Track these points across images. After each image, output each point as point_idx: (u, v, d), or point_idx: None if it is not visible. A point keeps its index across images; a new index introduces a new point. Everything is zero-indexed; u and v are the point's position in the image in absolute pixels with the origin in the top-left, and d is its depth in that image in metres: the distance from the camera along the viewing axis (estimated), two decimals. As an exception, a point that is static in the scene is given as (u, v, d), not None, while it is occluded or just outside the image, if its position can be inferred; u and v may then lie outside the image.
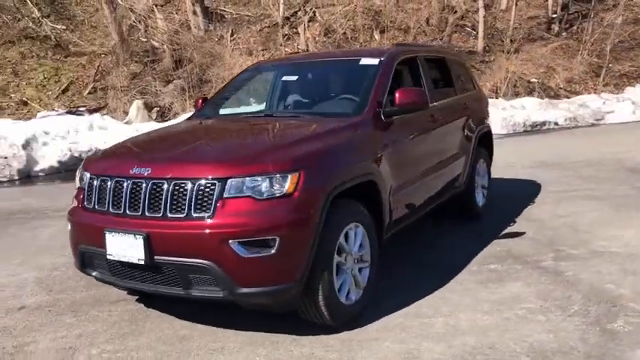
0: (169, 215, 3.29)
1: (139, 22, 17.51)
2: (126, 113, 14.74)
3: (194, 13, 18.35)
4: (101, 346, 3.60)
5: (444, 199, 5.27)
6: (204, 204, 3.23)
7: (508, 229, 5.71)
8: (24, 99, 15.38)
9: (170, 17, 18.38)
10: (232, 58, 16.66)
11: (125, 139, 4.45)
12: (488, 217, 6.18)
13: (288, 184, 3.24)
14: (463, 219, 6.02)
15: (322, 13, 18.60)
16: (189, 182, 3.27)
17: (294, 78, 5.05)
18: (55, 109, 15.09)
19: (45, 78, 16.10)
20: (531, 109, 14.29)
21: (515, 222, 5.98)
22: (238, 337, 3.63)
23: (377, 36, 17.84)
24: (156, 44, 17.42)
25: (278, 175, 3.24)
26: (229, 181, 3.22)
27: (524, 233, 5.56)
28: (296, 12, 19.04)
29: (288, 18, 18.69)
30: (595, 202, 6.66)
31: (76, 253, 3.78)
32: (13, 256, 5.60)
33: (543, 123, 13.97)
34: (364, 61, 4.70)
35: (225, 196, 3.21)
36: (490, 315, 3.79)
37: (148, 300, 4.26)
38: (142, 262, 3.31)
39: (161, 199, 3.31)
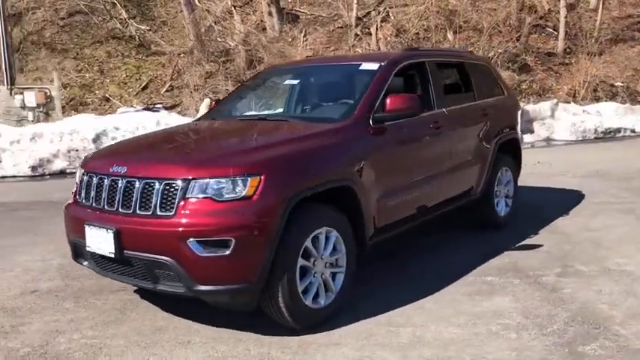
0: (138, 212, 3.48)
1: (216, 23, 18.13)
2: (197, 111, 15.33)
3: (269, 14, 18.78)
4: (84, 332, 3.85)
5: (451, 207, 5.18)
6: (169, 203, 3.39)
7: (527, 241, 5.52)
8: (107, 95, 16.35)
9: (246, 18, 18.89)
10: (303, 58, 16.93)
11: (126, 139, 4.70)
12: (512, 227, 5.99)
13: (247, 188, 3.34)
14: (483, 227, 5.85)
15: (395, 13, 18.49)
16: (157, 182, 3.44)
17: (295, 82, 5.13)
18: (134, 105, 15.93)
19: (127, 76, 17.03)
20: (607, 114, 13.55)
21: (537, 234, 5.76)
22: (208, 332, 3.77)
23: (450, 36, 17.51)
24: (231, 45, 17.97)
25: (238, 179, 3.35)
26: (192, 182, 3.36)
27: (540, 246, 5.36)
28: (369, 12, 19.04)
29: (360, 18, 18.71)
30: (633, 216, 6.28)
31: (69, 243, 4.06)
32: (52, 242, 6.03)
33: (618, 130, 13.22)
34: (364, 66, 4.72)
35: (187, 196, 3.36)
36: (461, 328, 3.72)
37: (146, 291, 4.47)
38: (113, 256, 3.52)
39: (132, 197, 3.51)
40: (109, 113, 15.02)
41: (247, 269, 3.37)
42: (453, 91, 5.41)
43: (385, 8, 18.72)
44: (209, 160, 3.55)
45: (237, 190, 3.35)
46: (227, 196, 3.34)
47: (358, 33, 18.50)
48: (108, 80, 16.81)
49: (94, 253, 3.68)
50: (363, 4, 19.18)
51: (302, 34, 18.43)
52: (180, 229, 3.32)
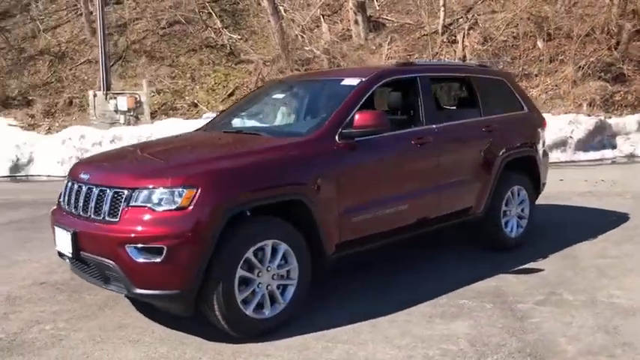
0: (93, 217, 3.79)
1: (303, 32, 18.58)
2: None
3: (355, 22, 18.94)
4: (57, 324, 4.22)
5: (443, 224, 5.07)
6: (115, 210, 3.67)
7: (530, 264, 5.29)
8: (195, 101, 17.27)
9: (333, 27, 19.19)
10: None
11: (113, 148, 5.06)
12: (525, 248, 5.75)
13: (182, 199, 3.54)
14: (491, 247, 5.67)
15: (483, 20, 17.99)
16: (108, 189, 3.73)
17: (281, 96, 5.26)
18: (218, 111, 16.72)
19: (215, 83, 17.89)
20: None
21: (547, 257, 5.49)
22: (161, 333, 4.01)
23: (540, 44, 16.78)
24: (316, 52, 18.34)
25: (174, 190, 3.56)
26: (135, 191, 3.62)
27: (540, 270, 5.13)
28: (457, 19, 18.66)
29: (447, 26, 18.39)
30: (665, 245, 5.81)
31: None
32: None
33: None
34: (345, 81, 4.77)
35: (130, 204, 3.62)
36: (399, 350, 3.69)
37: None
38: (71, 255, 3.85)
39: (90, 203, 3.82)
40: (195, 118, 15.85)
41: (179, 277, 3.55)
42: (450, 106, 5.29)
43: (473, 15, 18.26)
44: (153, 172, 3.79)
45: (172, 201, 3.55)
46: (163, 206, 3.56)
47: (444, 41, 18.21)
48: (197, 87, 17.72)
49: (60, 252, 4.03)
50: (451, 11, 18.84)
51: (386, 42, 18.42)
52: (121, 235, 3.58)
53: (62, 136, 12.64)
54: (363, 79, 4.69)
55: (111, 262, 3.63)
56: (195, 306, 3.71)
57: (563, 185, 9.02)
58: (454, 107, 5.48)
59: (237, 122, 5.19)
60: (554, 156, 11.51)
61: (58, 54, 19.42)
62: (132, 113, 14.93)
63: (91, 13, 20.42)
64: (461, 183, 5.14)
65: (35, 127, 16.53)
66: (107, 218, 3.70)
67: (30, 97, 17.81)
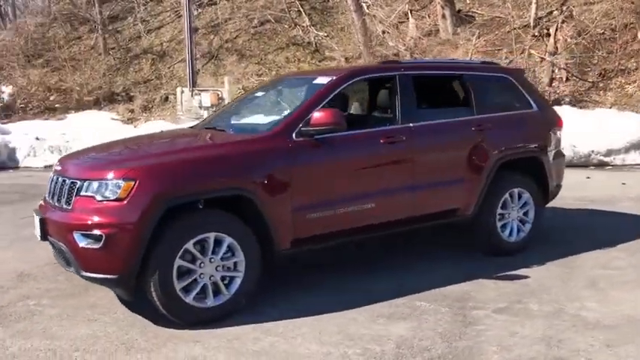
0: (56, 204, 4.17)
1: (388, 27, 18.51)
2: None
3: (443, 16, 18.56)
4: (42, 300, 4.66)
5: (422, 225, 5.00)
6: (70, 199, 4.03)
7: (520, 270, 5.06)
8: (279, 97, 17.77)
9: (421, 22, 18.94)
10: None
11: (100, 143, 5.43)
12: (524, 253, 5.49)
13: (121, 191, 3.82)
14: (488, 251, 5.48)
15: (579, 12, 16.96)
16: (68, 180, 4.10)
17: (261, 94, 5.39)
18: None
19: (299, 79, 18.27)
20: None
21: (543, 264, 5.23)
22: (121, 315, 4.31)
23: (640, 36, 15.57)
24: (401, 49, 18.21)
25: (115, 182, 3.85)
26: (85, 182, 3.95)
27: (525, 277, 4.92)
28: (551, 12, 17.72)
29: (539, 19, 17.52)
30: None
31: None
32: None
33: None
34: (317, 80, 4.83)
35: (80, 194, 3.96)
36: (321, 346, 3.74)
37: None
38: (40, 239, 4.27)
39: (57, 192, 4.22)
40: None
41: (117, 262, 3.84)
42: (436, 104, 5.18)
43: (568, 7, 17.25)
44: (102, 165, 4.09)
45: (112, 192, 3.84)
46: (104, 196, 3.86)
47: (535, 34, 17.38)
48: (282, 83, 18.21)
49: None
50: (544, 3, 17.93)
51: (474, 37, 17.89)
52: (70, 221, 3.93)
53: (143, 129, 13.56)
54: (333, 78, 4.72)
55: (63, 246, 3.98)
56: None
57: (619, 189, 8.42)
58: (443, 106, 5.31)
59: (222, 119, 5.40)
60: (631, 157, 10.69)
61: (159, 53, 20.74)
62: (214, 109, 15.65)
63: (193, 13, 21.62)
64: (443, 183, 5.02)
65: (133, 120, 17.84)
66: (64, 206, 4.07)
67: (132, 93, 19.21)
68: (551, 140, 5.69)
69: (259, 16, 20.33)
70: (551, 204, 6.14)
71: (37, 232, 4.31)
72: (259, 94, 5.53)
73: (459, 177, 5.11)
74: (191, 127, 5.28)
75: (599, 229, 6.35)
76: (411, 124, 4.87)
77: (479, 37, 18.03)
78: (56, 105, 19.66)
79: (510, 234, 5.47)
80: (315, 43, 19.19)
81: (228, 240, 4.09)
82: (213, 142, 4.47)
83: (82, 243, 3.86)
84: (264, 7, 20.23)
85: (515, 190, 5.44)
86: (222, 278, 4.15)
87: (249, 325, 4.06)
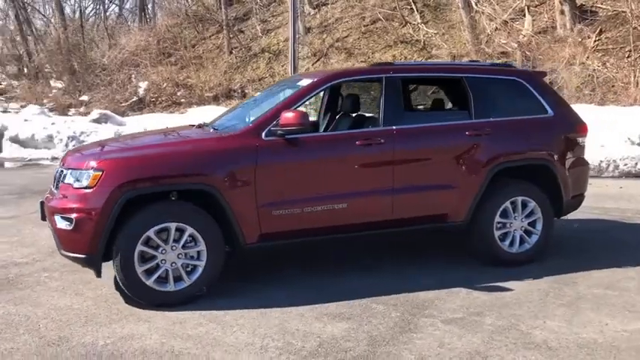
0: (54, 191, 4.72)
1: (503, 23, 17.87)
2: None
3: (561, 12, 17.53)
4: (53, 274, 5.26)
5: (403, 229, 4.96)
6: (58, 186, 4.56)
7: (508, 283, 4.84)
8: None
9: (536, 19, 18.03)
10: (589, 60, 15.59)
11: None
12: (527, 266, 5.22)
13: (90, 180, 4.27)
14: (486, 262, 5.30)
15: None
16: (60, 169, 4.64)
17: (258, 95, 5.57)
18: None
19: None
20: None
21: (541, 278, 4.97)
22: (101, 292, 4.76)
23: None
24: (514, 46, 17.50)
25: (87, 172, 4.31)
26: (68, 171, 4.46)
27: (507, 290, 4.72)
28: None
29: (671, 14, 15.94)
30: None
31: None
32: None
33: None
34: (301, 82, 4.97)
35: (64, 181, 4.47)
36: (248, 336, 3.91)
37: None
38: (41, 220, 4.86)
39: (55, 179, 4.78)
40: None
41: (84, 243, 4.28)
42: (428, 108, 5.08)
43: None
44: (84, 157, 4.53)
45: (84, 181, 4.29)
46: (78, 184, 4.32)
47: (665, 31, 15.87)
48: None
49: None
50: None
51: (595, 33, 16.74)
52: (53, 205, 4.44)
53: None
54: (312, 81, 4.84)
55: (51, 227, 4.51)
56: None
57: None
58: (436, 109, 5.16)
59: (224, 118, 5.69)
60: None
61: (275, 52, 21.63)
62: (312, 106, 16.09)
63: (307, 14, 22.31)
64: (429, 188, 4.93)
65: (244, 116, 18.79)
66: (54, 191, 4.60)
67: (246, 90, 20.26)
68: (567, 147, 5.33)
69: (370, 14, 20.47)
70: (573, 214, 5.76)
71: (40, 213, 4.89)
72: (260, 95, 5.76)
73: (448, 182, 4.98)
74: (199, 125, 5.60)
75: (622, 245, 5.84)
76: (394, 127, 4.84)
77: (599, 34, 16.84)
78: (182, 100, 21.30)
79: (512, 245, 5.22)
80: (424, 41, 18.96)
81: (189, 230, 4.38)
82: (186, 139, 4.79)
83: (60, 224, 4.35)
84: (377, 5, 20.33)
85: (519, 199, 5.17)
86: (185, 266, 4.44)
87: (202, 311, 4.32)
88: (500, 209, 5.13)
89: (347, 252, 5.75)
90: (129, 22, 28.07)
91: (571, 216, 5.83)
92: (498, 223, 5.17)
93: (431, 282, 4.86)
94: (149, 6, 27.22)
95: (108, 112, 15.58)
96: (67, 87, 23.43)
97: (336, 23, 20.89)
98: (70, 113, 20.74)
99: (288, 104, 4.71)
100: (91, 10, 30.67)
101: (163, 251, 4.37)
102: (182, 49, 22.00)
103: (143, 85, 22.14)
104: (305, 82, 4.94)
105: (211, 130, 5.00)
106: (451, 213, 5.03)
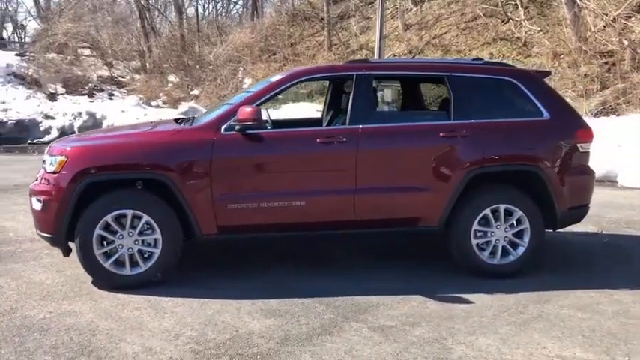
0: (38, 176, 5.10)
1: (614, 21, 16.58)
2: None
3: (682, 7, 15.94)
4: (48, 250, 5.66)
5: (369, 230, 4.82)
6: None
7: (473, 295, 4.56)
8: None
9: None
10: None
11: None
12: (509, 279, 4.89)
13: (56, 165, 4.59)
14: (469, 272, 5.02)
15: None
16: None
17: (250, 89, 5.60)
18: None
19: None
20: None
21: (508, 293, 4.62)
22: (81, 270, 5.10)
23: None
24: (625, 44, 16.18)
25: (56, 158, 4.64)
26: (46, 157, 4.83)
27: (466, 302, 4.45)
28: None
29: None
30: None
31: None
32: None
33: None
34: (272, 78, 4.98)
35: (43, 166, 4.84)
36: (171, 324, 4.03)
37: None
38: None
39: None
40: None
41: (50, 224, 4.60)
42: (403, 107, 4.89)
43: None
44: (59, 144, 4.86)
45: (52, 166, 4.62)
46: (48, 169, 4.66)
47: None
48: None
49: None
50: None
51: None
52: (32, 187, 4.82)
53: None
54: (279, 77, 4.84)
55: (30, 209, 4.90)
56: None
57: None
58: (411, 108, 4.89)
59: (206, 112, 5.80)
60: None
61: (373, 49, 21.51)
62: (394, 105, 15.88)
63: (409, 10, 22.01)
64: (397, 190, 4.74)
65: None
66: (38, 176, 4.97)
67: (340, 87, 20.35)
68: (564, 154, 4.88)
69: (471, 10, 19.79)
70: (578, 226, 5.29)
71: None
72: (249, 89, 5.81)
73: (418, 185, 4.76)
74: (176, 119, 5.68)
75: (631, 266, 5.26)
76: (359, 126, 4.71)
77: None
78: (279, 96, 21.80)
79: (492, 255, 4.89)
80: (525, 39, 18.01)
81: (145, 218, 4.57)
82: (149, 131, 4.97)
83: (35, 205, 4.71)
84: (478, 1, 19.60)
85: (501, 207, 4.83)
86: (142, 252, 4.64)
87: (149, 296, 4.49)
88: (479, 217, 4.82)
89: (318, 250, 5.68)
90: (242, 20, 29.25)
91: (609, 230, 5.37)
92: (477, 231, 4.85)
93: (390, 287, 4.68)
94: (260, 4, 28.14)
95: (197, 105, 16.39)
96: (180, 82, 24.91)
97: (435, 20, 20.41)
98: (178, 106, 22.07)
99: (251, 100, 4.74)
100: (209, 8, 32.34)
101: (120, 236, 4.58)
102: (283, 46, 22.53)
103: (248, 81, 22.96)
104: (274, 78, 4.93)
105: (182, 125, 5.12)
106: (423, 217, 4.80)
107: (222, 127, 4.65)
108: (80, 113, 17.42)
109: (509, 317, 4.14)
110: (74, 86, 23.90)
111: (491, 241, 4.87)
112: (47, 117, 17.68)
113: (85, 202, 4.56)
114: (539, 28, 18.29)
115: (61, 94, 22.90)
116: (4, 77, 23.27)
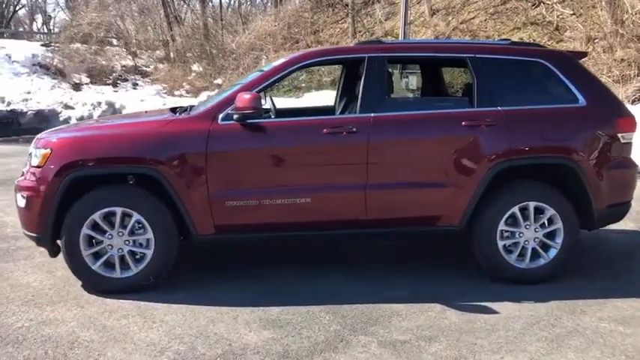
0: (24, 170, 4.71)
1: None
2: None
3: None
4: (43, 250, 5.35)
5: (386, 229, 4.35)
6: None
7: (499, 305, 4.07)
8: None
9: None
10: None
11: None
12: (543, 285, 4.38)
13: (40, 159, 4.21)
14: (492, 276, 4.53)
15: None
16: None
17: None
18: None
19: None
20: None
21: (541, 302, 4.12)
22: (59, 274, 4.74)
23: None
24: (664, 28, 15.33)
25: (38, 151, 4.25)
26: (32, 150, 4.45)
27: (492, 313, 3.97)
28: None
29: None
30: None
31: None
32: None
33: None
34: (276, 61, 4.53)
35: (29, 160, 4.46)
36: (154, 332, 3.65)
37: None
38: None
39: None
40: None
41: (34, 222, 4.23)
42: (419, 93, 4.39)
43: None
44: (42, 136, 4.46)
45: (36, 160, 4.24)
46: (33, 163, 4.28)
47: None
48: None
49: None
50: None
51: None
52: (17, 183, 4.45)
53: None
54: (282, 61, 4.38)
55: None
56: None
57: None
58: (429, 94, 4.37)
59: (209, 101, 5.31)
60: None
61: (398, 35, 20.86)
62: (419, 92, 15.32)
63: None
64: (413, 185, 4.26)
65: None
66: (24, 171, 4.59)
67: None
68: (602, 144, 4.34)
69: (502, -5, 19.02)
70: (616, 224, 4.76)
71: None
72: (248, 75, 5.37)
73: (437, 180, 4.27)
74: (172, 108, 5.22)
75: None
76: (371, 115, 4.23)
77: None
78: (302, 84, 21.38)
79: (521, 258, 4.38)
80: (557, 23, 17.21)
81: (136, 216, 4.17)
82: (139, 121, 4.55)
83: (19, 202, 4.34)
84: (508, -17, 18.84)
85: (531, 204, 4.31)
86: (133, 253, 4.24)
87: (140, 302, 4.10)
88: (506, 215, 4.31)
89: (325, 252, 5.20)
90: (266, 8, 28.78)
91: None
92: (504, 231, 4.34)
93: (404, 293, 4.22)
94: (284, -9, 27.62)
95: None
96: (203, 71, 24.57)
97: (463, 4, 19.68)
98: (199, 96, 21.73)
99: (250, 86, 4.29)
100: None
101: (110, 236, 4.20)
102: (306, 34, 22.03)
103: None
104: (278, 62, 4.47)
105: (177, 114, 4.67)
106: (443, 216, 4.31)
107: (220, 117, 4.21)
108: (99, 103, 17.21)
109: (540, 332, 3.64)
110: (98, 76, 23.70)
111: (520, 243, 4.36)
112: (67, 107, 17.51)
113: (72, 199, 4.17)
114: (571, 11, 17.49)
115: (86, 84, 22.73)
116: (30, 68, 23.17)
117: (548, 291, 4.25)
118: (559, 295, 4.18)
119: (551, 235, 4.38)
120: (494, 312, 3.93)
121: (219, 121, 4.19)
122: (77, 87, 22.12)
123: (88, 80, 23.35)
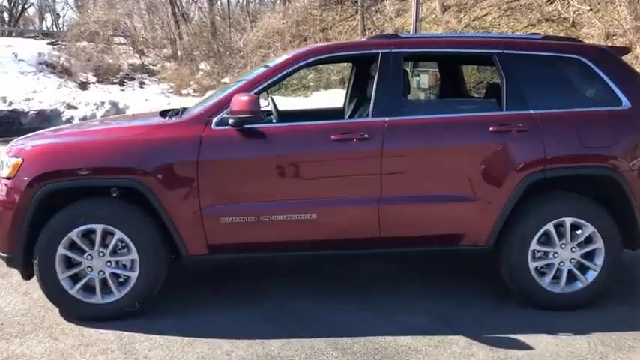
0: None
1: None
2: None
3: None
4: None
5: (404, 248, 3.85)
6: (-3, 177, 4.04)
7: (532, 337, 3.55)
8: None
9: None
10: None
11: None
12: (579, 313, 3.86)
13: (10, 169, 3.72)
14: (522, 301, 4.01)
15: None
16: (4, 156, 4.16)
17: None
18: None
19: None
20: None
21: (582, 334, 3.60)
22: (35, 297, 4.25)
23: None
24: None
25: (8, 160, 3.77)
26: (3, 158, 3.95)
27: (526, 349, 3.45)
28: None
29: None
30: None
31: None
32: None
33: None
34: (278, 58, 4.02)
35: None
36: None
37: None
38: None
39: None
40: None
41: (2, 240, 3.73)
42: (441, 94, 3.87)
43: None
44: (19, 144, 3.96)
45: (7, 170, 3.75)
46: (4, 173, 3.78)
47: None
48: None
49: None
50: None
51: None
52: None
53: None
54: (285, 58, 3.87)
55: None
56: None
57: None
58: (451, 95, 3.85)
59: (202, 103, 4.81)
60: None
61: (408, 32, 20.35)
62: (431, 90, 14.77)
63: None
64: (432, 200, 3.75)
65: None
66: None
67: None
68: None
69: (516, -10, 18.43)
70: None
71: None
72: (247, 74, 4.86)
73: (461, 193, 3.75)
74: (162, 112, 4.71)
75: None
76: (385, 119, 3.71)
77: None
78: (310, 83, 20.87)
79: (555, 282, 3.85)
80: (573, 19, 16.61)
81: (119, 235, 3.68)
82: (122, 126, 4.05)
83: (-16, 220, 3.85)
84: (523, -21, 18.25)
85: (567, 221, 3.78)
86: (116, 276, 3.75)
87: (123, 332, 3.64)
88: (539, 233, 3.78)
89: (332, 274, 4.62)
90: (275, 6, 28.29)
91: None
92: (536, 251, 3.82)
93: (423, 322, 3.71)
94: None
95: (222, 94, 15.54)
96: (210, 70, 24.11)
97: (475, 0, 19.12)
98: (204, 95, 21.27)
99: (249, 86, 3.78)
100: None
101: (89, 257, 3.71)
102: (314, 32, 21.54)
103: (278, 69, 22.01)
104: (279, 60, 3.96)
105: (167, 118, 4.15)
106: (467, 234, 3.80)
107: (213, 121, 3.70)
108: (103, 102, 16.77)
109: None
110: (105, 75, 23.27)
111: (554, 264, 3.84)
112: (70, 106, 17.07)
113: (47, 214, 3.68)
114: (588, 7, 16.87)
115: (92, 82, 22.32)
116: (36, 66, 22.78)
117: (587, 320, 3.72)
118: (600, 325, 3.65)
119: (589, 256, 3.85)
120: (527, 347, 3.41)
121: (212, 127, 3.69)
122: (84, 86, 21.71)
123: (94, 79, 22.93)
